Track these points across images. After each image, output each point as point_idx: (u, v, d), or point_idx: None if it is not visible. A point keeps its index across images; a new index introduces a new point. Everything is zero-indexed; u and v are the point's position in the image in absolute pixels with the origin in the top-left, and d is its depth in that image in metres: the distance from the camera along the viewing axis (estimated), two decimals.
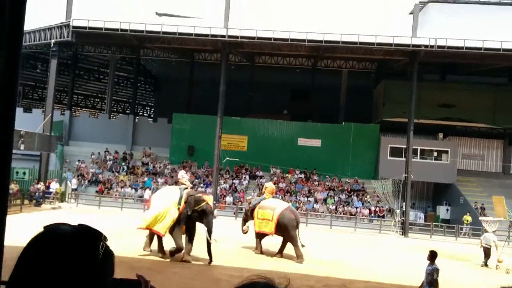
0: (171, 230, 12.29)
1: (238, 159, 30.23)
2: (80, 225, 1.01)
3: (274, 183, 30.26)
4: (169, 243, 12.65)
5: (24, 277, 0.92)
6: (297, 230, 13.98)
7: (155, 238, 12.94)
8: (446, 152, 31.57)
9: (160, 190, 14.13)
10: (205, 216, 12.25)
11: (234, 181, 30.74)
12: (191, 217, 12.34)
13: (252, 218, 14.62)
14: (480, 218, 25.07)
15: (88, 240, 0.97)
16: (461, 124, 33.22)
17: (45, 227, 0.99)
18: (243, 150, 32.70)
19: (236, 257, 12.49)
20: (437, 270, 8.63)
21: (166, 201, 12.40)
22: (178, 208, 12.25)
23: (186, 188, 12.88)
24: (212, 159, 27.72)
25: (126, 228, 17.48)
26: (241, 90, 34.88)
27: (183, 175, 14.10)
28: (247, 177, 31.27)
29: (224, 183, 30.14)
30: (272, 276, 0.85)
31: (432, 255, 8.80)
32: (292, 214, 14.23)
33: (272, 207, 14.33)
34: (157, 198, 12.83)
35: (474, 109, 31.16)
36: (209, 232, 12.15)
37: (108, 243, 1.02)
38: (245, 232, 14.65)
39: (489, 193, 29.83)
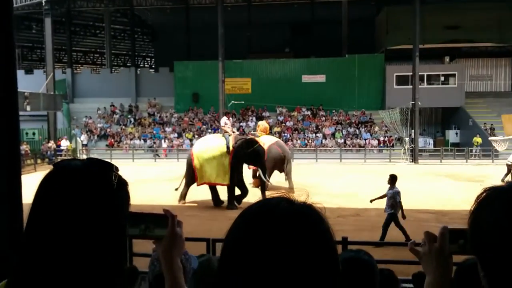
0: (231, 179, 11.98)
1: (243, 102, 30.23)
2: (89, 159, 1.00)
3: (281, 122, 30.48)
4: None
5: (40, 215, 0.92)
6: (285, 164, 14.52)
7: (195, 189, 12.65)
8: (453, 75, 31.17)
9: (202, 139, 13.52)
10: (259, 157, 12.04)
11: (241, 123, 30.92)
12: (242, 161, 12.03)
13: None
14: (490, 138, 25.18)
15: (100, 171, 0.97)
16: (467, 45, 32.51)
17: (54, 165, 0.99)
18: (247, 92, 32.55)
19: (251, 196, 12.82)
20: (398, 193, 8.71)
21: (212, 150, 11.97)
22: (228, 153, 11.82)
23: (230, 135, 12.50)
24: (217, 104, 27.76)
25: (139, 178, 17.94)
26: (240, 31, 34.22)
27: (226, 122, 13.37)
28: (254, 118, 31.39)
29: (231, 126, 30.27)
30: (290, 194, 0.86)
31: (392, 179, 8.85)
32: (279, 149, 14.65)
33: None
34: (202, 148, 12.28)
35: (481, 28, 30.33)
36: (264, 172, 12.14)
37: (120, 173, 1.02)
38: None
39: (498, 113, 29.77)
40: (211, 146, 12.17)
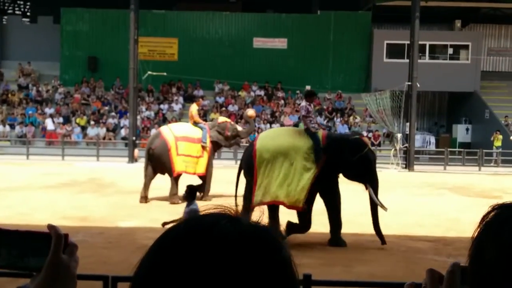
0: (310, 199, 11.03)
1: (165, 73, 29.92)
2: None
3: (222, 106, 30.43)
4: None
5: None
6: None
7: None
8: (466, 47, 32.34)
9: (269, 133, 12.54)
10: (370, 170, 11.07)
11: (161, 106, 30.62)
12: (337, 174, 11.16)
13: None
14: None
15: None
16: (487, 6, 33.80)
17: None
18: (172, 59, 32.41)
19: (162, 213, 12.71)
20: (196, 212, 8.45)
21: (288, 154, 11.03)
22: (316, 162, 10.90)
23: (317, 131, 11.53)
24: (126, 76, 27.28)
25: (2, 184, 17.38)
26: None
27: (308, 108, 12.08)
28: (181, 99, 31.14)
29: (146, 109, 30.03)
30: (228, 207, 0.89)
31: (190, 192, 8.83)
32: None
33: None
34: (270, 148, 11.26)
35: None
36: (376, 192, 11.16)
37: None
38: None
39: None
40: (285, 145, 11.15)
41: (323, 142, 11.01)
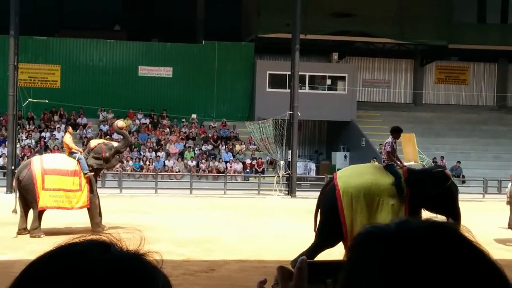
0: None
1: (47, 101, 29.01)
2: None
3: (106, 134, 29.82)
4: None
5: None
6: None
7: None
8: (343, 78, 33.74)
9: (352, 169, 12.18)
10: (453, 203, 10.92)
11: (43, 134, 29.74)
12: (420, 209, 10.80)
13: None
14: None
15: None
16: (361, 40, 35.45)
17: None
18: (54, 86, 31.73)
19: (42, 245, 12.20)
20: None
21: (373, 192, 10.72)
22: (402, 198, 10.70)
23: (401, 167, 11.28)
24: (6, 103, 26.22)
25: None
26: None
27: (390, 143, 11.75)
28: (63, 126, 30.25)
29: (27, 138, 29.05)
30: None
31: None
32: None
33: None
34: (351, 185, 10.77)
35: (377, 19, 33.27)
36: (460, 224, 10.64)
37: None
38: None
39: None
40: (369, 182, 10.83)
41: (405, 177, 10.95)
